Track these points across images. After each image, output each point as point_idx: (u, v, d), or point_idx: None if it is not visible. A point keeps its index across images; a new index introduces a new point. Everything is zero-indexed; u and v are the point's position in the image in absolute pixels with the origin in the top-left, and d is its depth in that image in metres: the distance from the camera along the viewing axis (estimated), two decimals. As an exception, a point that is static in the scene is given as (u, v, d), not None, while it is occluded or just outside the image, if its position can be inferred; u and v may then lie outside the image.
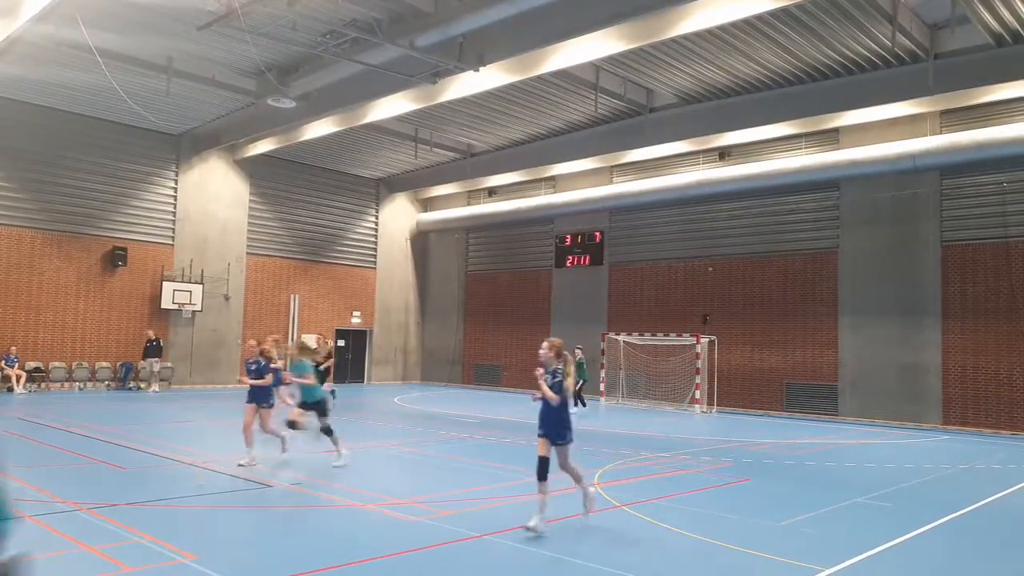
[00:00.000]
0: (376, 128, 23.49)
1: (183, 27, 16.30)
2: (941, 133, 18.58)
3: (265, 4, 14.38)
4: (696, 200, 22.96)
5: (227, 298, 25.67)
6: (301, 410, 10.49)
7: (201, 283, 24.76)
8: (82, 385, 22.25)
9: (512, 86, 18.80)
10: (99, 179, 23.08)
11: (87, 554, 6.02)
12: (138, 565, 5.77)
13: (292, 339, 27.05)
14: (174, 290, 24.03)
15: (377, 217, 30.35)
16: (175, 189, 24.78)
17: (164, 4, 15.25)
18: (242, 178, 26.33)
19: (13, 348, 21.00)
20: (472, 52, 16.00)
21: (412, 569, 5.99)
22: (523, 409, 20.00)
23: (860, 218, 20.41)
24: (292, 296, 27.47)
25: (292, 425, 10.44)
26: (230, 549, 6.40)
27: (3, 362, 20.73)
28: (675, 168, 23.70)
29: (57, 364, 21.99)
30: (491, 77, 17.50)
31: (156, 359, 22.82)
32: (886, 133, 19.26)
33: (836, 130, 20.37)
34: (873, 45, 16.34)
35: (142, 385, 22.97)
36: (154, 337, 22.91)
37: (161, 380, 23.49)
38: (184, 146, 24.82)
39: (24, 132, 21.61)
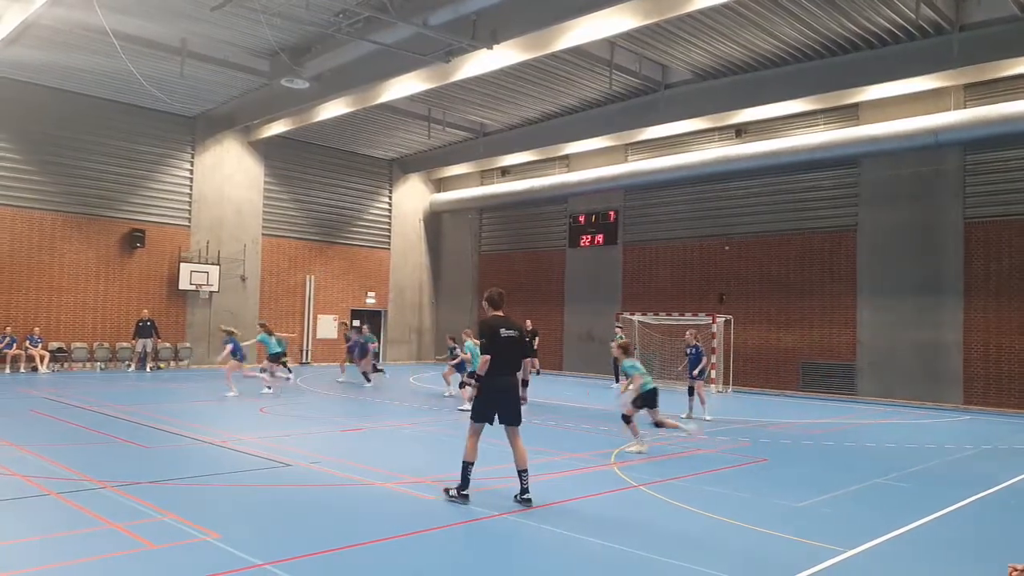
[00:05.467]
0: (389, 108, 23.40)
1: (197, 8, 16.27)
2: (965, 107, 18.23)
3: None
4: (712, 178, 22.75)
5: (243, 279, 25.83)
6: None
7: (218, 264, 24.93)
8: (103, 365, 22.52)
9: (526, 64, 18.65)
10: (116, 161, 23.21)
11: (114, 531, 6.11)
12: (163, 542, 5.85)
13: (308, 322, 27.19)
14: (191, 271, 24.21)
15: (391, 198, 30.34)
16: (191, 171, 24.89)
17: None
18: (257, 160, 26.38)
19: (36, 329, 21.28)
20: (485, 30, 15.86)
21: (427, 548, 6.02)
22: (535, 389, 20.01)
23: (880, 195, 20.13)
24: (308, 277, 27.59)
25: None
26: (252, 527, 6.46)
27: (27, 342, 21.02)
28: (691, 146, 23.47)
29: (79, 344, 22.26)
30: (505, 55, 17.35)
31: (148, 339, 22.56)
32: (907, 108, 18.93)
33: (855, 105, 20.05)
34: (896, 17, 16.02)
35: (161, 365, 23.21)
36: (147, 317, 22.79)
37: (179, 360, 23.79)
38: (199, 128, 24.87)
39: (43, 116, 21.74)
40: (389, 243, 30.32)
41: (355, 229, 29.29)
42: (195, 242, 24.78)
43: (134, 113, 23.43)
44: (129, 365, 22.69)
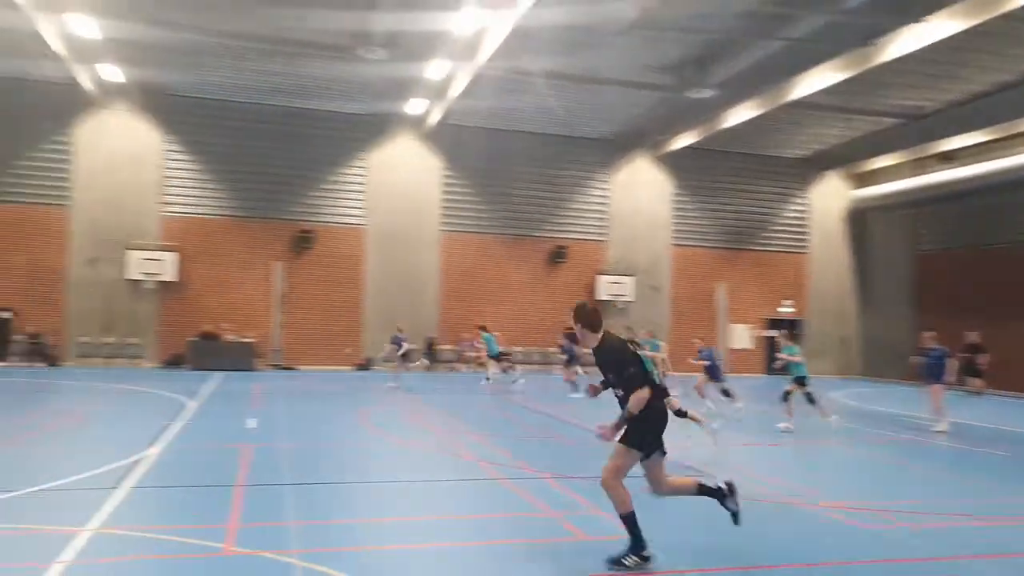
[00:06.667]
0: (800, 104, 21.92)
1: (604, 36, 17.35)
2: None
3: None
4: None
5: (656, 289, 26.83)
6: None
7: (632, 275, 26.34)
8: (537, 368, 25.41)
9: (967, 31, 15.78)
10: (541, 187, 26.20)
11: (550, 519, 6.71)
12: (591, 535, 6.22)
13: (721, 329, 26.98)
14: (608, 283, 26.01)
15: (805, 198, 28.58)
16: (606, 190, 26.80)
17: (587, 19, 16.39)
18: (665, 173, 27.26)
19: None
20: (916, 2, 13.85)
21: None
22: (1000, 415, 16.82)
23: None
24: (718, 285, 27.43)
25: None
26: (674, 531, 6.47)
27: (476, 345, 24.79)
28: None
29: (517, 349, 25.51)
30: (939, 27, 14.97)
31: (572, 346, 24.61)
32: None
33: None
34: None
35: (584, 370, 25.18)
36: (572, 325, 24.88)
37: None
38: (612, 149, 26.65)
39: (483, 153, 25.51)
40: (806, 246, 28.56)
41: (767, 234, 28.30)
42: (611, 255, 26.58)
43: (556, 142, 26.10)
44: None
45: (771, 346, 27.72)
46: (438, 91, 21.56)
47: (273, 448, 9.90)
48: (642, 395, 5.20)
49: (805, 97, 20.34)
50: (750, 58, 17.78)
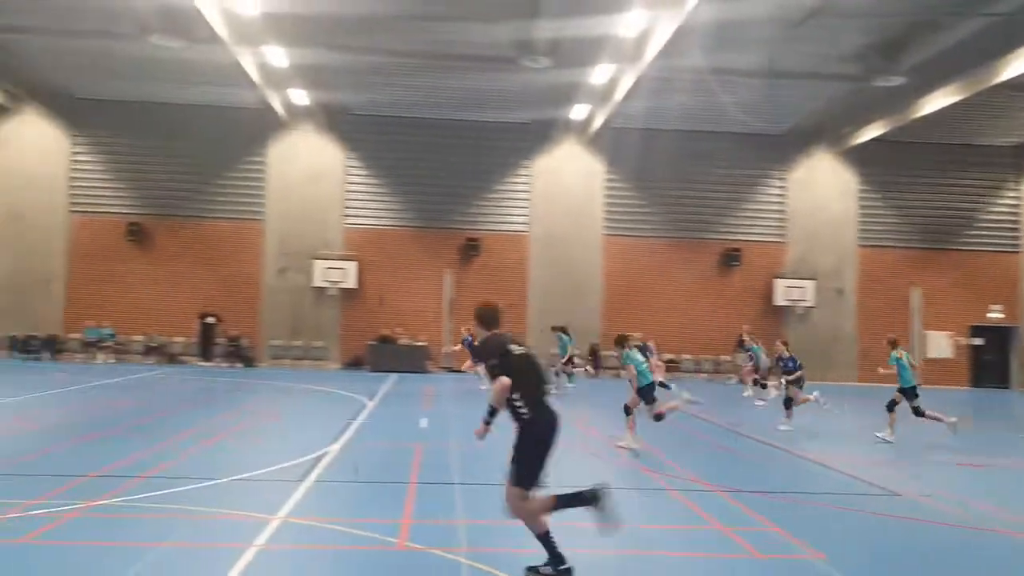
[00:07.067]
0: (1011, 86, 19.49)
1: (779, 28, 16.39)
2: None
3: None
4: None
5: (840, 292, 24.96)
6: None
7: (813, 279, 24.66)
8: (707, 377, 24.41)
9: None
10: (713, 187, 25.21)
11: (719, 533, 6.35)
12: (767, 553, 5.85)
13: (915, 336, 24.62)
14: (786, 287, 24.55)
15: (1019, 190, 25.48)
16: (782, 188, 25.36)
17: (759, 12, 15.55)
18: (848, 168, 25.45)
19: (651, 341, 24.32)
20: None
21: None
22: None
23: None
24: (912, 289, 25.05)
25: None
26: (861, 555, 5.93)
27: (647, 354, 24.26)
28: None
29: (686, 356, 24.67)
30: None
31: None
32: None
33: None
34: None
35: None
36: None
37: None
38: (787, 145, 25.17)
39: (646, 155, 24.59)
40: (1020, 245, 25.45)
41: (971, 232, 25.57)
42: (789, 257, 25.05)
43: (726, 139, 24.96)
44: (730, 378, 24.03)
45: (975, 355, 25.09)
46: (602, 95, 21.37)
47: (443, 448, 10.16)
48: (504, 382, 4.99)
49: (1016, 77, 18.08)
50: (947, 39, 16.14)
